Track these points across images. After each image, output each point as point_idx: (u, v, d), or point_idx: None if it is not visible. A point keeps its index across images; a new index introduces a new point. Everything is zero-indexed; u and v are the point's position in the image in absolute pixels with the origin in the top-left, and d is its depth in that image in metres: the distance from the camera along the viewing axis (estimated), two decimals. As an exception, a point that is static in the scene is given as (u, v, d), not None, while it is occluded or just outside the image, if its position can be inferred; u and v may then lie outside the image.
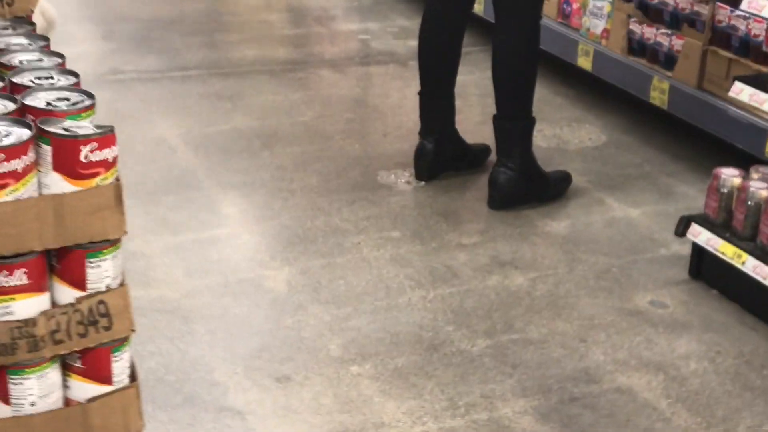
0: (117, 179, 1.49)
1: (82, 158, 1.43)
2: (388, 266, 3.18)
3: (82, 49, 4.73)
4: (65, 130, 1.44)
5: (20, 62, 1.65)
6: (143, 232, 3.30)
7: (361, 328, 2.85)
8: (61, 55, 1.67)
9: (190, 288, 3.02)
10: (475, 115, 4.19)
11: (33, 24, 1.87)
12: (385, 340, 2.81)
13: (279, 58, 4.75)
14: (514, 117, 3.51)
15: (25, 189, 1.41)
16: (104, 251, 1.49)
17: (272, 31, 5.11)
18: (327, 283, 3.06)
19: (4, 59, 1.65)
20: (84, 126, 1.46)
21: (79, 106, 1.51)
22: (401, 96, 4.40)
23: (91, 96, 1.54)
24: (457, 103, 3.68)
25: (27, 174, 1.42)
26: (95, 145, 1.43)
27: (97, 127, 1.47)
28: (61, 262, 1.48)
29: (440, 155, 3.68)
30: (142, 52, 4.71)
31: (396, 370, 2.68)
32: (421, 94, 3.67)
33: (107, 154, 1.45)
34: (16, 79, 1.58)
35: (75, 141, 1.43)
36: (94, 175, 1.44)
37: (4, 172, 1.39)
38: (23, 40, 1.74)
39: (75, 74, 1.61)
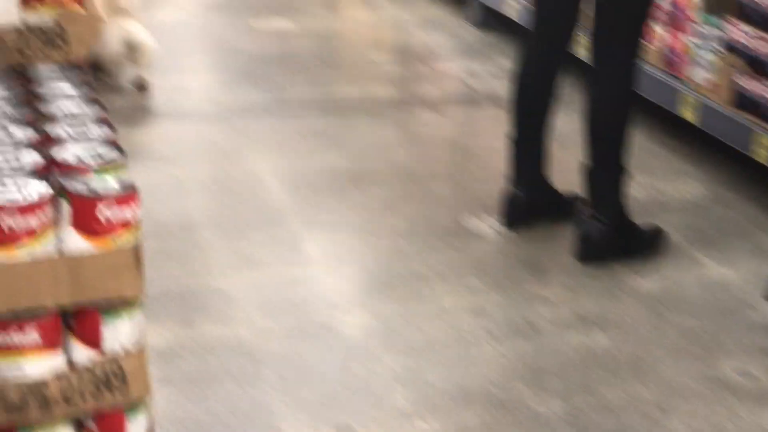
0: (137, 238, 1.41)
1: (99, 216, 1.35)
2: (465, 316, 3.05)
3: (187, 81, 4.75)
4: (85, 187, 1.38)
5: (59, 112, 1.59)
6: (225, 268, 3.25)
7: (431, 381, 2.73)
8: (102, 105, 1.61)
9: (264, 328, 2.95)
10: (569, 162, 4.03)
11: (84, 70, 1.82)
12: (455, 395, 2.68)
13: (379, 97, 4.68)
14: (606, 167, 3.35)
15: (41, 246, 1.35)
16: (121, 312, 1.41)
17: (376, 69, 5.05)
18: (401, 331, 2.95)
19: (43, 107, 1.60)
20: (106, 183, 1.39)
21: (108, 161, 1.45)
22: (497, 138, 4.25)
23: (121, 151, 1.47)
24: (551, 148, 3.54)
25: (43, 231, 1.35)
26: (114, 203, 1.35)
27: (121, 184, 1.40)
28: (77, 321, 1.40)
29: (529, 202, 3.54)
30: (247, 87, 4.70)
31: (462, 429, 2.55)
32: (511, 138, 3.54)
33: (127, 213, 1.38)
34: (50, 130, 1.52)
35: (93, 199, 1.36)
36: (112, 234, 1.37)
37: (19, 229, 1.33)
38: (69, 88, 1.69)
39: (112, 126, 1.54)
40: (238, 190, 3.75)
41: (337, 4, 6.27)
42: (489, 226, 3.57)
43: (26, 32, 1.76)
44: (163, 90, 4.60)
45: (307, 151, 4.08)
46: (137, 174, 3.90)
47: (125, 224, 1.38)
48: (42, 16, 1.80)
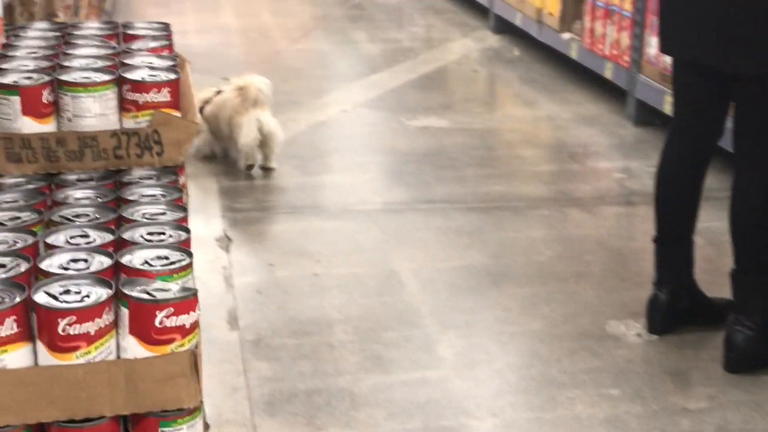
0: (195, 345, 1.38)
1: (157, 323, 1.34)
2: (601, 427, 2.88)
3: (336, 179, 4.79)
4: (146, 293, 1.36)
5: (140, 216, 1.60)
6: (356, 369, 3.21)
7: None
8: (183, 209, 1.61)
9: (388, 431, 2.87)
10: (721, 266, 3.81)
11: (177, 174, 1.83)
12: None
13: (526, 194, 4.59)
14: (754, 271, 3.14)
15: (98, 352, 1.34)
16: (179, 420, 1.38)
17: (525, 166, 4.97)
18: (530, 441, 2.81)
19: (126, 211, 1.61)
20: (168, 289, 1.38)
21: (174, 266, 1.43)
22: (648, 240, 4.10)
23: (189, 255, 1.46)
24: (701, 251, 3.36)
25: (101, 337, 1.34)
26: (171, 310, 1.33)
27: (182, 290, 1.38)
28: (135, 430, 1.38)
29: (675, 308, 3.35)
30: (392, 184, 4.70)
31: None
32: (656, 240, 3.38)
33: (185, 320, 1.35)
34: (126, 235, 1.53)
35: (151, 305, 1.34)
36: (170, 341, 1.34)
37: (76, 335, 1.32)
38: (157, 191, 1.71)
39: (187, 230, 1.54)
40: (376, 288, 3.72)
41: (494, 102, 6.25)
42: (633, 332, 3.40)
43: (122, 136, 1.80)
44: (309, 186, 4.66)
45: (449, 248, 4.03)
46: (277, 269, 3.98)
47: (182, 332, 1.35)
48: (138, 121, 1.84)
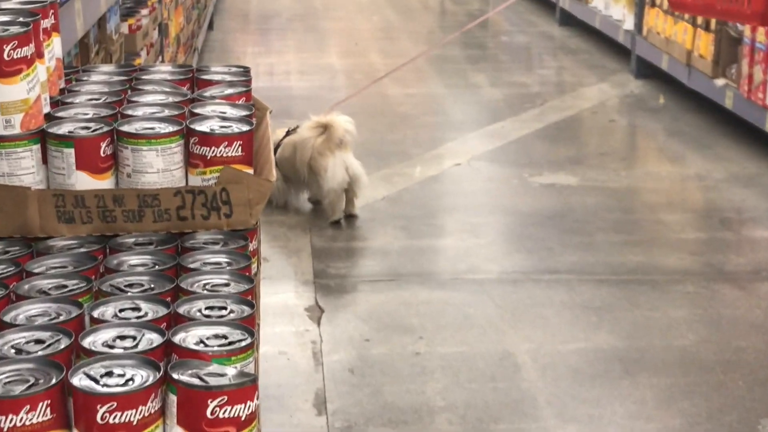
0: (253, 441, 1.36)
1: (208, 413, 1.32)
2: None
3: (446, 243, 4.77)
4: (197, 377, 1.35)
5: (200, 287, 1.60)
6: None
7: None
8: (250, 280, 1.60)
9: None
10: None
11: (247, 239, 1.83)
12: None
13: (667, 266, 4.49)
14: None
15: (142, 445, 1.33)
16: None
17: (667, 233, 4.86)
18: None
19: (186, 282, 1.61)
20: (224, 374, 1.36)
21: (232, 347, 1.42)
22: (811, 324, 3.98)
23: (251, 334, 1.45)
24: None
25: (145, 427, 1.33)
26: (225, 399, 1.32)
27: (239, 376, 1.36)
28: None
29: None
30: (510, 249, 4.65)
31: None
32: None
33: (240, 410, 1.34)
34: (181, 309, 1.53)
35: (202, 393, 1.33)
36: (223, 435, 1.33)
37: (116, 424, 1.32)
38: (222, 258, 1.70)
39: (251, 305, 1.53)
40: (487, 371, 3.66)
41: (633, 157, 6.16)
42: (789, 434, 3.26)
43: (187, 195, 1.81)
44: (414, 250, 4.65)
45: (573, 327, 3.95)
46: (373, 346, 3.97)
47: (237, 424, 1.34)
48: (206, 178, 1.85)
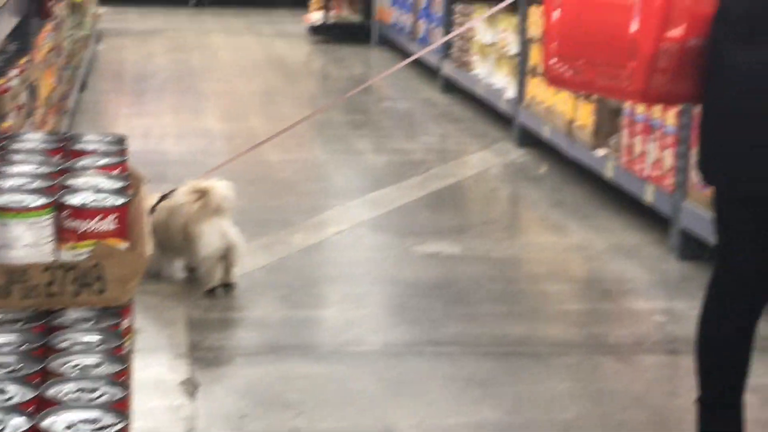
0: None
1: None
2: None
3: (327, 314, 4.76)
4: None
5: (69, 369, 1.57)
6: None
7: None
8: (123, 360, 1.58)
9: None
10: (781, 431, 3.74)
11: (120, 317, 1.80)
12: None
13: (550, 337, 4.54)
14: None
15: None
16: None
17: (550, 304, 4.94)
18: None
19: (55, 363, 1.58)
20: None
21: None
22: (692, 397, 4.06)
23: (124, 418, 1.42)
24: (754, 413, 3.31)
25: None
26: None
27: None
28: None
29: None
30: (394, 321, 4.67)
31: None
32: (700, 401, 3.33)
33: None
34: (50, 392, 1.49)
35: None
36: None
37: None
38: (94, 338, 1.67)
39: (124, 386, 1.50)
40: (368, 448, 3.65)
41: (516, 226, 6.26)
42: None
43: (57, 271, 1.78)
44: (294, 322, 4.63)
45: (458, 401, 3.96)
46: (250, 423, 3.92)
47: None
48: (78, 253, 1.82)
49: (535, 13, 7.22)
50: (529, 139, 7.41)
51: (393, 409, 3.90)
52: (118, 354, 1.64)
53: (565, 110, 6.66)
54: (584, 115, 6.39)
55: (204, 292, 4.80)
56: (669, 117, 5.44)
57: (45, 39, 5.65)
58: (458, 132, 8.17)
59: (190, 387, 4.00)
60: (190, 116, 8.48)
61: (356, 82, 9.50)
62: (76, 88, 7.86)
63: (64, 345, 1.68)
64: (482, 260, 5.40)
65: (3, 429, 1.42)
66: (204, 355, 4.28)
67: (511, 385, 4.11)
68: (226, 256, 4.81)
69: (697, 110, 3.40)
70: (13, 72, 4.42)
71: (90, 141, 2.28)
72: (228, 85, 9.85)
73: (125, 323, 1.83)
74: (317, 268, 5.31)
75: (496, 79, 8.12)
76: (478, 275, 5.20)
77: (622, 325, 4.74)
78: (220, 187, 4.80)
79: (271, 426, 3.75)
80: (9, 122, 4.15)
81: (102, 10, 11.83)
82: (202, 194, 4.77)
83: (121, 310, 1.82)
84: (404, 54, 9.73)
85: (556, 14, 3.43)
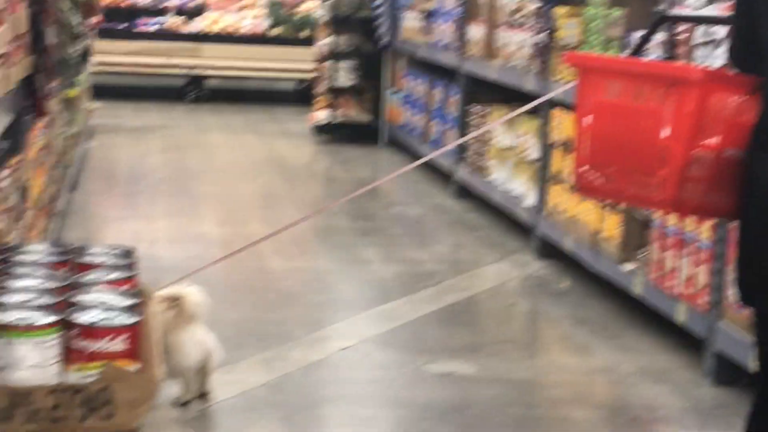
0: None
1: None
2: None
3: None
4: None
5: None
6: None
7: None
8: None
9: None
10: None
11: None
12: None
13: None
14: None
15: None
16: None
17: (574, 432, 4.94)
18: None
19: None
20: None
21: None
22: None
23: None
24: None
25: None
26: None
27: None
28: None
29: None
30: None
31: None
32: None
33: None
34: None
35: None
36: None
37: None
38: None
39: None
40: None
41: (536, 346, 6.27)
42: None
43: (64, 394, 1.80)
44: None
45: None
46: None
47: None
48: (86, 375, 1.85)
49: (557, 117, 7.32)
50: (550, 251, 7.44)
51: None
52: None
53: (590, 220, 6.71)
54: (611, 226, 6.43)
55: (179, 405, 4.79)
56: (703, 230, 5.48)
57: (37, 136, 5.73)
58: (473, 241, 8.22)
59: None
60: (185, 220, 8.54)
61: (363, 186, 9.60)
62: (66, 189, 7.94)
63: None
64: (499, 382, 5.40)
65: None
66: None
67: None
68: (203, 366, 4.84)
69: (734, 224, 3.44)
70: (4, 172, 4.49)
71: (97, 253, 2.32)
72: (226, 188, 9.94)
73: (133, 452, 1.85)
74: (321, 388, 5.31)
75: (514, 186, 8.18)
76: (495, 398, 5.19)
77: (652, 456, 4.73)
78: (192, 293, 4.82)
79: None
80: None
81: (95, 104, 11.99)
82: (175, 302, 4.79)
83: (130, 436, 1.84)
84: (415, 156, 9.82)
85: (587, 119, 3.49)
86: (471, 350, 5.82)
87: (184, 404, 4.80)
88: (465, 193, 9.37)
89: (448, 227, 8.69)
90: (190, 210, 8.93)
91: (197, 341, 4.79)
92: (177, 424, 4.75)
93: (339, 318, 6.27)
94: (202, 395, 4.86)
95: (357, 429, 4.83)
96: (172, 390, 4.77)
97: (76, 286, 2.12)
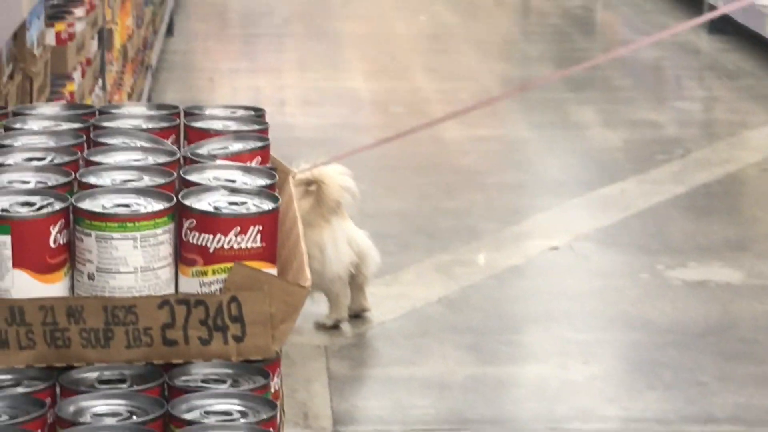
0: None
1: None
2: None
3: (533, 372, 4.78)
4: None
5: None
6: None
7: None
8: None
9: None
10: None
11: (268, 376, 1.88)
12: None
13: None
14: None
15: None
16: None
17: None
18: None
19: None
20: None
21: None
22: None
23: None
24: None
25: None
26: None
27: None
28: None
29: None
30: (639, 385, 4.68)
31: None
32: None
33: None
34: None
35: None
36: None
37: None
38: (234, 407, 1.75)
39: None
40: None
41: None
42: None
43: (178, 307, 1.85)
44: (488, 384, 4.67)
45: None
46: None
47: None
48: (207, 281, 1.89)
49: None
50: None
51: None
52: (268, 429, 1.71)
53: None
54: None
55: (330, 326, 4.91)
56: None
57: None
58: (734, 94, 8.13)
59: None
60: (325, 73, 8.61)
61: (575, 20, 9.54)
62: (160, 34, 8.06)
63: (190, 416, 1.75)
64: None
65: None
66: (355, 430, 4.36)
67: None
68: (356, 272, 4.92)
69: None
70: (79, 11, 4.57)
71: (214, 116, 2.35)
72: (379, 26, 9.97)
73: (274, 384, 1.90)
74: (519, 303, 5.35)
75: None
76: (770, 315, 5.19)
77: None
78: (335, 176, 4.80)
79: None
80: (72, 84, 4.29)
81: None
82: (312, 187, 4.78)
83: (268, 366, 1.88)
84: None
85: None
86: (734, 249, 5.80)
87: (333, 326, 4.88)
88: (723, 25, 9.23)
89: (697, 75, 8.61)
90: (330, 58, 8.99)
91: (345, 241, 4.81)
92: (324, 354, 4.86)
93: (543, 206, 6.29)
94: (356, 314, 4.96)
95: (572, 359, 4.85)
96: (316, 308, 4.89)
97: (189, 161, 2.17)
